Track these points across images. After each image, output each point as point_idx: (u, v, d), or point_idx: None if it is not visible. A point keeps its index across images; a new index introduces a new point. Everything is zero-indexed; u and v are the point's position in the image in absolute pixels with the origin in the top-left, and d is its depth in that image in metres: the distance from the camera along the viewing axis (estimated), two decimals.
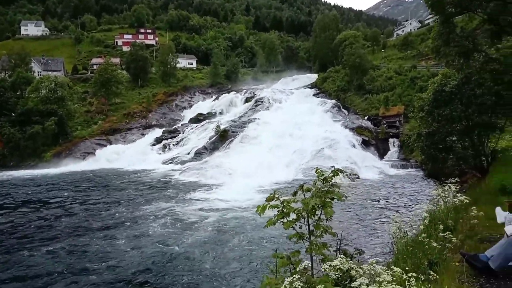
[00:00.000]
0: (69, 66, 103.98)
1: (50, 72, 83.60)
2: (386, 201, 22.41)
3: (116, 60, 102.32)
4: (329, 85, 71.89)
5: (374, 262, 4.06)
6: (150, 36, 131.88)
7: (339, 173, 4.68)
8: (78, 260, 13.95)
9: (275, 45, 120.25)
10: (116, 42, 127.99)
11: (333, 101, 63.18)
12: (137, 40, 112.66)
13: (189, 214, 20.16)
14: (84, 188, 32.23)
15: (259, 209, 4.31)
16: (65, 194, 29.61)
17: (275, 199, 4.48)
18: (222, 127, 53.79)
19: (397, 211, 18.44)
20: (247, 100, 70.25)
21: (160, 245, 14.99)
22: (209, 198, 24.49)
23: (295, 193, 4.48)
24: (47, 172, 49.10)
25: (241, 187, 28.55)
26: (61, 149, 63.63)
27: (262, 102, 66.06)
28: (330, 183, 4.53)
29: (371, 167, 37.05)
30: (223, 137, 51.26)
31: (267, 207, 4.41)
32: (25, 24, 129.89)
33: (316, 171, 4.70)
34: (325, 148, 40.25)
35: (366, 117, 54.00)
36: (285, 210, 4.37)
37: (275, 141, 44.51)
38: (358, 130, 46.99)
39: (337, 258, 4.04)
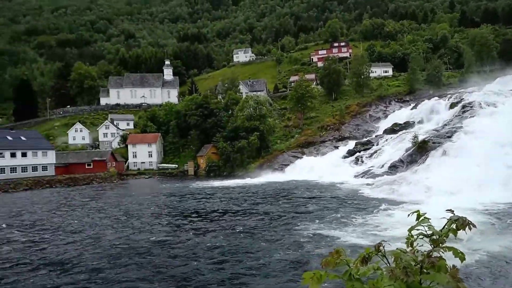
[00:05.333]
0: (271, 86, 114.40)
1: (254, 92, 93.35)
2: None
3: (312, 76, 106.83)
4: None
5: None
6: (344, 49, 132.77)
7: (467, 226, 2.44)
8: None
9: (487, 40, 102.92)
10: (312, 58, 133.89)
11: None
12: (331, 55, 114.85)
13: (356, 242, 17.94)
14: (269, 198, 34.07)
15: (307, 279, 2.36)
16: (252, 202, 31.73)
17: (339, 261, 2.44)
18: (420, 137, 48.48)
19: None
20: (451, 106, 61.70)
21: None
22: (393, 221, 21.59)
23: (364, 260, 2.43)
24: (250, 182, 54.13)
25: (440, 207, 24.32)
26: (263, 161, 69.83)
27: (471, 107, 56.75)
28: (438, 249, 2.34)
29: None
30: (421, 148, 46.05)
31: (324, 278, 2.37)
32: (236, 53, 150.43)
33: (417, 216, 2.61)
34: None
35: None
36: None
37: (488, 153, 36.99)
38: None
39: None
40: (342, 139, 71.13)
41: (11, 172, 62.51)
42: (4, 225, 26.65)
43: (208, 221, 25.32)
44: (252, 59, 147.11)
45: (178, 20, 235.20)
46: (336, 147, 67.38)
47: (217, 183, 54.89)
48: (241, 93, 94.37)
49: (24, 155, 65.55)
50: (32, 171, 66.07)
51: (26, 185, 58.79)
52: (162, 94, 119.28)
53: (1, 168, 61.52)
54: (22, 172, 64.30)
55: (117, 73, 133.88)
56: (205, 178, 66.20)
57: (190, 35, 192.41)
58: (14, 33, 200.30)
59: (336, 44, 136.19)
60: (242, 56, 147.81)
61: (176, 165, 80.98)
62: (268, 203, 31.50)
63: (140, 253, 17.74)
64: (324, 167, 56.25)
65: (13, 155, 63.77)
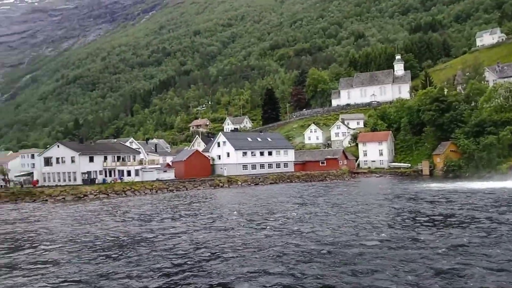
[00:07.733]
0: None
1: (505, 79, 78.32)
2: None
3: None
4: None
5: None
6: None
7: None
8: None
9: None
10: None
11: None
12: None
13: None
14: None
15: None
16: (498, 211, 26.21)
17: None
18: None
19: None
20: None
21: None
22: None
23: None
24: (500, 185, 45.61)
25: None
26: None
27: None
28: None
29: None
30: None
31: None
32: (480, 35, 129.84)
33: None
34: None
35: None
36: None
37: None
38: None
39: None
40: None
41: (260, 168, 73.34)
42: (235, 213, 31.34)
43: (436, 229, 22.39)
44: (502, 39, 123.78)
45: (409, 11, 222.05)
46: None
47: (457, 185, 48.83)
48: (487, 81, 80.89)
49: (270, 153, 75.81)
50: (276, 167, 75.60)
51: (272, 179, 67.45)
52: (392, 91, 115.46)
53: (253, 165, 73.07)
54: (268, 168, 74.48)
55: (347, 74, 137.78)
56: (443, 179, 59.93)
57: (423, 25, 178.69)
58: (261, 50, 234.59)
59: None
60: (487, 38, 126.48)
61: (409, 164, 76.58)
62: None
63: (324, 253, 17.47)
64: None
65: (261, 153, 74.75)
